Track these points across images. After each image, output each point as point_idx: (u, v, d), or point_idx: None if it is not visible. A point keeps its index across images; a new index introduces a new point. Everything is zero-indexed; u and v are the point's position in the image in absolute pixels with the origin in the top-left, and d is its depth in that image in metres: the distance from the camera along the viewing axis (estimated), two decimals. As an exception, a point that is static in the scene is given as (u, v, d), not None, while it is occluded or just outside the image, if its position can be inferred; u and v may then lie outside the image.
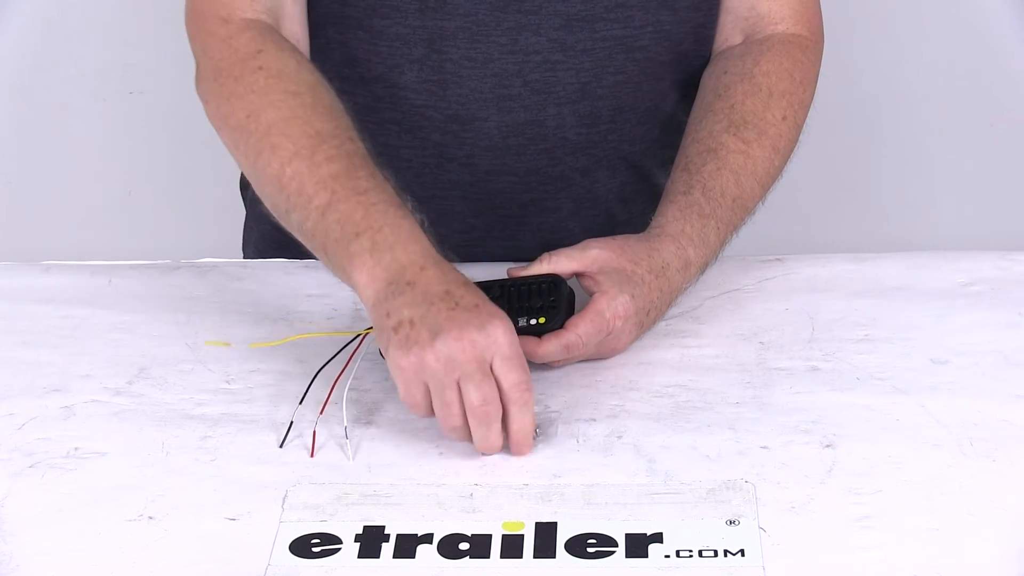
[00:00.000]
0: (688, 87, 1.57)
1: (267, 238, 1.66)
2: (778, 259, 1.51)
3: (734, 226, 1.44)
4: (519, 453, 1.24)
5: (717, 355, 1.36)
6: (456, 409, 1.22)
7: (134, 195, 2.62)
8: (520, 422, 1.23)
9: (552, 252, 1.36)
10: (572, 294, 1.34)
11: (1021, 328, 1.39)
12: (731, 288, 1.46)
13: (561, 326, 1.31)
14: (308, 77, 1.42)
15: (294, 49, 1.47)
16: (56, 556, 1.14)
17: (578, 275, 1.36)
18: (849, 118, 2.54)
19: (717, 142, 1.45)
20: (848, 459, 1.22)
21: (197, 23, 1.48)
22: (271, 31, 1.47)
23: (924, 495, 1.18)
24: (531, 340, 1.31)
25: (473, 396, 1.21)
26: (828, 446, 1.24)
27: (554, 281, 1.34)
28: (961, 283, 1.46)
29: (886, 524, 1.14)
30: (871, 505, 1.17)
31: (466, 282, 1.26)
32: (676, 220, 1.40)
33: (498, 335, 1.21)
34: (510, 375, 1.22)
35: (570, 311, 1.33)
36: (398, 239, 1.28)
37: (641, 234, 1.40)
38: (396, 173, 1.45)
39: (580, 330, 1.31)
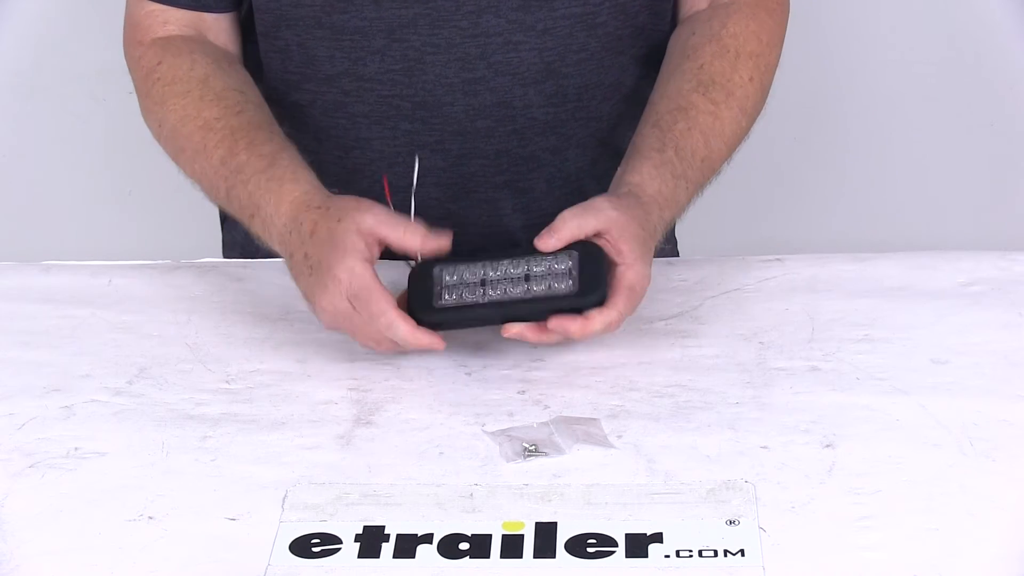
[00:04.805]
0: (650, 62, 1.58)
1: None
2: (778, 259, 1.51)
3: (701, 187, 1.45)
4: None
5: (717, 355, 1.36)
6: (365, 341, 1.34)
7: (134, 195, 2.62)
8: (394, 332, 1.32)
9: (570, 212, 1.33)
10: (606, 262, 1.32)
11: (1021, 328, 1.39)
12: (731, 288, 1.46)
13: (603, 299, 1.31)
14: (200, 71, 1.50)
15: (194, 50, 1.53)
16: (56, 556, 1.14)
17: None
18: (849, 118, 2.54)
19: (687, 101, 1.46)
20: (848, 459, 1.22)
21: (125, 52, 1.58)
22: (178, 41, 1.54)
23: (924, 495, 1.17)
24: (576, 320, 1.30)
25: (364, 343, 1.34)
26: (828, 446, 1.24)
27: (590, 251, 1.31)
28: (961, 283, 1.46)
29: (886, 524, 1.14)
30: (871, 505, 1.16)
31: (313, 230, 1.34)
32: (652, 179, 1.40)
33: (340, 283, 1.31)
34: (366, 310, 1.31)
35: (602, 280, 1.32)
36: (273, 212, 1.39)
37: (627, 194, 1.38)
38: (369, 165, 1.54)
39: (620, 307, 1.31)
